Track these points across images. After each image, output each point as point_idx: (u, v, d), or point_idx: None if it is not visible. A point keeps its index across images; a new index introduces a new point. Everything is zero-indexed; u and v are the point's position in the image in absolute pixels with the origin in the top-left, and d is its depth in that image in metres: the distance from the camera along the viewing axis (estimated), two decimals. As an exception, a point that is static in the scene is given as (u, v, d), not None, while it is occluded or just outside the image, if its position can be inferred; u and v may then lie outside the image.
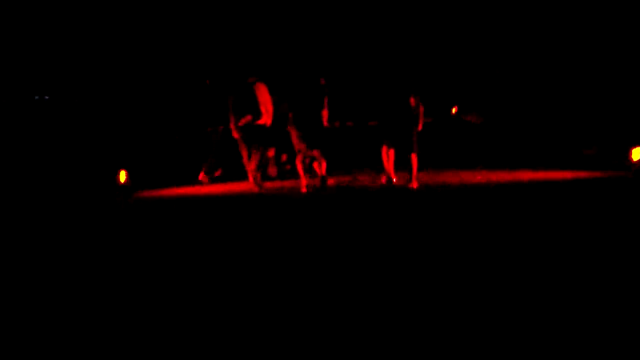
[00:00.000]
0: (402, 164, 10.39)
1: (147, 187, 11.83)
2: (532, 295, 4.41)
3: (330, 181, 10.97)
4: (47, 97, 14.77)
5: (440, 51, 26.52)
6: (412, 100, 10.11)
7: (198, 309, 4.55)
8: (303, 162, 10.44)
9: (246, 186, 11.31)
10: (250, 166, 11.23)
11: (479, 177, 10.80)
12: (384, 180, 10.56)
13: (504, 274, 5.00)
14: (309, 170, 10.90)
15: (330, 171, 11.47)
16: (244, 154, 11.35)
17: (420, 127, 10.29)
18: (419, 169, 10.26)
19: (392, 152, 10.39)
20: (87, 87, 14.18)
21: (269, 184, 11.38)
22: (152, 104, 14.17)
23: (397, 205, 8.72)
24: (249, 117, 11.01)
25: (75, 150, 11.48)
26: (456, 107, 25.05)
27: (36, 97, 15.07)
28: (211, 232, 7.52)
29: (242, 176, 12.00)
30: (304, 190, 10.27)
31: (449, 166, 12.30)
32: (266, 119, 11.11)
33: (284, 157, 12.62)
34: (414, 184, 10.01)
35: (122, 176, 11.49)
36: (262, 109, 11.00)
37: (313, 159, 10.60)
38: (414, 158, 10.10)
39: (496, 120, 20.16)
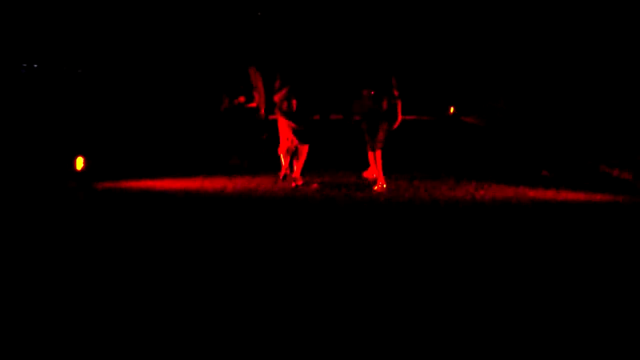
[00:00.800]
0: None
1: (108, 177, 10.52)
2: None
3: (314, 186, 9.84)
4: (35, 65, 13.58)
5: (437, 44, 25.38)
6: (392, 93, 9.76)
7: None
8: (287, 151, 10.00)
9: (219, 182, 10.08)
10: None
11: (482, 191, 9.56)
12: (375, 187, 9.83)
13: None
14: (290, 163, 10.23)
15: (314, 172, 10.41)
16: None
17: (396, 125, 9.87)
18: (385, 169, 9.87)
19: (377, 154, 9.85)
20: (47, 59, 12.83)
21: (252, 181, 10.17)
22: (122, 82, 12.88)
23: (379, 221, 7.52)
24: (241, 99, 11.25)
25: (27, 131, 10.11)
26: (453, 106, 23.77)
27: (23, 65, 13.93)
28: (171, 233, 7.05)
29: (218, 171, 11.05)
30: (280, 179, 10.10)
31: (448, 175, 11.01)
32: (260, 105, 11.30)
33: (264, 136, 12.16)
34: (379, 185, 9.67)
35: (79, 163, 10.16)
36: (255, 95, 11.22)
37: (295, 151, 9.96)
38: (378, 155, 9.74)
39: (502, 124, 18.93)
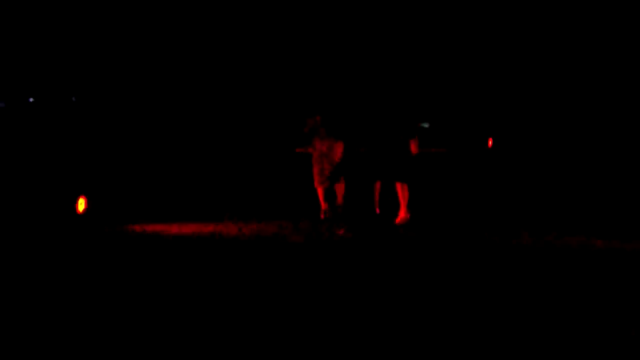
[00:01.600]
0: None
1: (113, 220, 9.63)
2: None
3: (340, 232, 8.86)
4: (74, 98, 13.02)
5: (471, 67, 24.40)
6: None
7: None
8: (323, 184, 10.06)
9: (234, 227, 9.16)
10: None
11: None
12: None
13: None
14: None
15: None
16: None
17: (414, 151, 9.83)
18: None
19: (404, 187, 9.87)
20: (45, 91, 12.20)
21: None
22: (127, 115, 12.21)
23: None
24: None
25: (25, 169, 9.39)
26: (491, 138, 22.70)
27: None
28: (185, 284, 6.06)
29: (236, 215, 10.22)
30: (322, 216, 10.00)
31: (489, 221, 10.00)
32: None
33: None
34: (402, 216, 9.58)
35: (81, 204, 9.39)
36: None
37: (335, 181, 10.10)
38: (405, 187, 9.65)
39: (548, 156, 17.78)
